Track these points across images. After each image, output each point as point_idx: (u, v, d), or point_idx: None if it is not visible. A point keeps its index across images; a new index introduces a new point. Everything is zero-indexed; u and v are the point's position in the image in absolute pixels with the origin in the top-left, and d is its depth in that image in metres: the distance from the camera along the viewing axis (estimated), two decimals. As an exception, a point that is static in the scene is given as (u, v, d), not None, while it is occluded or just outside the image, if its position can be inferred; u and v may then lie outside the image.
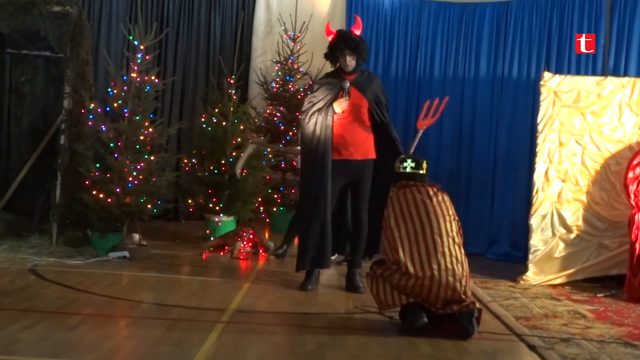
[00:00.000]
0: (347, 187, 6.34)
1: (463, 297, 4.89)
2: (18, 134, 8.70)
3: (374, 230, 6.22)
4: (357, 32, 6.26)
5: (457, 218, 5.14)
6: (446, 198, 5.17)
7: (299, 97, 9.92)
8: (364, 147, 6.28)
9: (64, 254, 7.11)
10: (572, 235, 7.22)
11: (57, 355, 4.07)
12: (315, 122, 6.17)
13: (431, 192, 5.11)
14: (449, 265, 4.88)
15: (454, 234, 5.02)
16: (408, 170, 5.27)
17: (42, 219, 8.02)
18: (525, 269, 7.22)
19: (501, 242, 8.82)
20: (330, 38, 6.28)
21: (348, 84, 6.18)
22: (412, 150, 6.18)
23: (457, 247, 4.99)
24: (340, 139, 6.21)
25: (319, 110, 6.20)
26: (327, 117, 6.17)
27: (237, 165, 7.99)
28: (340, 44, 6.16)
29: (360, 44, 6.20)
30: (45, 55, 8.52)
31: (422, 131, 6.72)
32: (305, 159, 6.29)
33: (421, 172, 5.28)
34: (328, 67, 10.22)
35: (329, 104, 6.19)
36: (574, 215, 7.24)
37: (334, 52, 6.24)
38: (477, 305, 5.05)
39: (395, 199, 5.15)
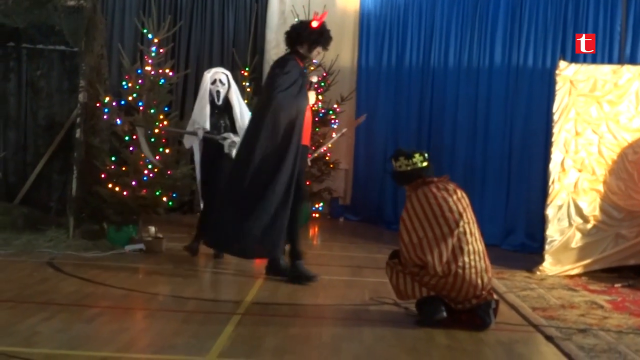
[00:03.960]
0: None
1: (483, 292, 4.87)
2: (34, 128, 8.76)
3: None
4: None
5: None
6: (464, 195, 5.05)
7: (313, 89, 9.89)
8: (309, 134, 6.39)
9: (80, 247, 7.15)
10: (589, 226, 7.17)
11: (75, 348, 4.10)
12: (293, 107, 6.07)
13: (450, 188, 5.00)
14: (472, 263, 4.84)
15: (475, 228, 4.97)
16: (419, 165, 5.05)
17: (58, 212, 8.07)
18: (541, 260, 7.18)
19: (517, 233, 8.77)
20: (316, 25, 6.16)
21: (316, 79, 6.27)
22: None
23: (479, 243, 4.95)
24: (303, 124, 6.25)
25: (296, 95, 6.11)
26: (302, 105, 6.12)
27: (147, 155, 7.32)
28: (329, 41, 6.23)
29: None
30: (60, 49, 8.57)
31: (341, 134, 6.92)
32: (282, 141, 6.04)
33: (426, 164, 5.07)
34: (342, 60, 10.38)
35: (304, 93, 6.16)
36: (591, 205, 7.18)
37: (319, 41, 6.18)
38: (495, 296, 5.04)
39: (414, 199, 4.97)
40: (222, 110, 7.13)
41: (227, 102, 7.15)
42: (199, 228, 7.14)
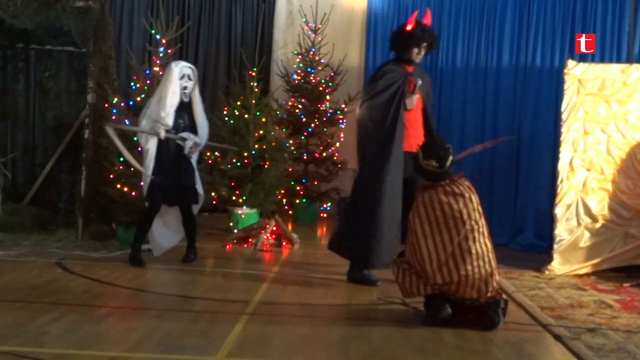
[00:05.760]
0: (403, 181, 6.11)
1: (489, 294, 4.86)
2: (43, 129, 8.80)
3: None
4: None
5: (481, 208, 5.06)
6: (473, 197, 5.01)
7: (320, 88, 9.92)
8: (420, 140, 6.09)
9: (89, 247, 7.18)
10: (598, 225, 7.15)
11: (84, 347, 4.11)
12: (384, 114, 6.02)
13: (458, 192, 4.97)
14: (476, 270, 4.82)
15: (479, 225, 4.94)
16: (430, 168, 5.05)
17: (67, 212, 8.10)
18: (550, 259, 7.16)
19: (526, 232, 8.75)
20: (409, 27, 6.12)
21: (420, 82, 6.16)
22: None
23: (484, 246, 4.91)
24: (405, 130, 6.09)
25: (387, 101, 6.04)
26: (399, 110, 6.03)
27: (130, 161, 6.72)
28: (425, 36, 6.11)
29: (438, 39, 6.37)
30: (69, 50, 8.61)
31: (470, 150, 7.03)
32: (373, 151, 6.02)
33: (443, 169, 5.04)
34: (349, 60, 10.36)
35: (400, 97, 6.05)
36: (599, 205, 7.16)
37: (410, 42, 6.13)
38: (503, 296, 5.03)
39: (420, 201, 5.01)
40: (183, 109, 6.66)
41: (189, 99, 6.73)
42: (139, 233, 6.70)
